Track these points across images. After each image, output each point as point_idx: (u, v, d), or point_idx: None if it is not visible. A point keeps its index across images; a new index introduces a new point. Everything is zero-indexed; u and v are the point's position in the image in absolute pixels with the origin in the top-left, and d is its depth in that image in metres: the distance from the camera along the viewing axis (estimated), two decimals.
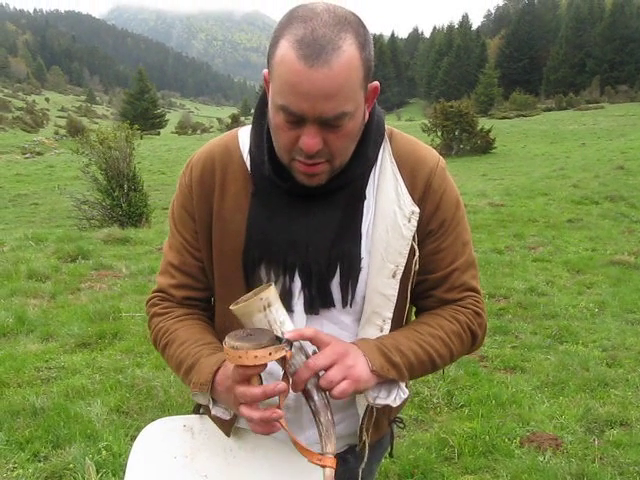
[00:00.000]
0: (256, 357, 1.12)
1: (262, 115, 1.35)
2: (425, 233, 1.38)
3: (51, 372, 4.52)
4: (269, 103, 1.25)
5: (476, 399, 4.13)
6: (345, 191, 1.34)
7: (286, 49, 1.14)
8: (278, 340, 1.17)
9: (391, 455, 1.65)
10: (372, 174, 1.37)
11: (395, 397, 1.34)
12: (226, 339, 1.16)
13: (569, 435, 3.72)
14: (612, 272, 7.47)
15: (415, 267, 1.38)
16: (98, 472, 3.20)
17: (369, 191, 1.36)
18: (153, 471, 1.39)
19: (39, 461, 3.37)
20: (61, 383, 4.30)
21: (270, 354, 1.13)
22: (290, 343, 1.18)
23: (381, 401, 1.33)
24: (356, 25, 1.18)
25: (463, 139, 33.97)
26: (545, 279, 7.20)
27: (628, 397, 4.20)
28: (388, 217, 1.34)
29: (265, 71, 1.26)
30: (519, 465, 3.34)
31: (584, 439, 3.68)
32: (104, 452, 3.39)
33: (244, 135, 1.42)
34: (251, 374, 1.17)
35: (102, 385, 4.27)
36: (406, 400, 1.42)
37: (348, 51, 1.14)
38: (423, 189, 1.37)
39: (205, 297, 1.50)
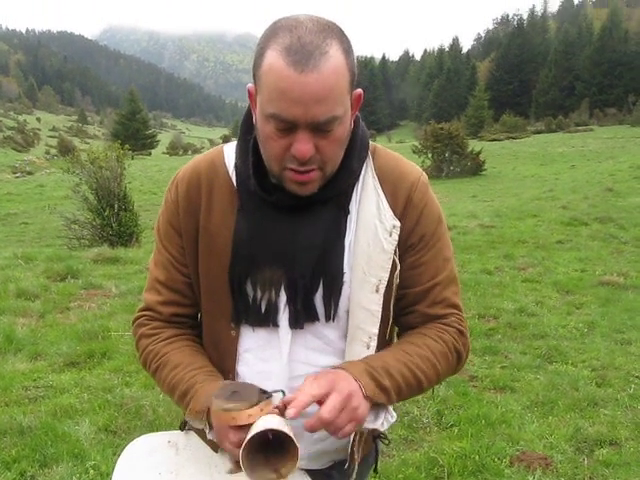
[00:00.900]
0: (250, 416, 1.16)
1: (248, 130, 1.37)
2: (405, 247, 1.39)
3: (39, 391, 4.48)
4: (257, 115, 1.26)
5: (466, 419, 4.12)
6: (329, 206, 1.35)
7: (274, 58, 1.16)
8: (262, 392, 1.21)
9: (375, 471, 1.65)
10: (355, 190, 1.38)
11: (382, 421, 1.35)
12: (214, 401, 1.18)
13: (559, 454, 3.71)
14: (601, 292, 7.49)
15: (396, 281, 1.38)
16: None
17: (352, 206, 1.37)
18: None
19: None
20: (49, 402, 4.27)
21: (262, 410, 1.17)
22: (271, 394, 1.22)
23: (369, 425, 1.33)
24: (339, 32, 1.21)
25: (453, 161, 34.17)
26: (535, 299, 7.22)
27: (617, 417, 4.20)
28: (369, 231, 1.35)
29: (249, 85, 1.28)
30: None
31: (574, 458, 3.67)
32: (92, 471, 3.36)
33: (230, 150, 1.43)
34: (245, 431, 1.18)
35: (90, 404, 4.24)
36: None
37: (335, 56, 1.16)
38: (404, 203, 1.38)
39: (192, 313, 1.51)
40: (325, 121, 1.19)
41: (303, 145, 1.20)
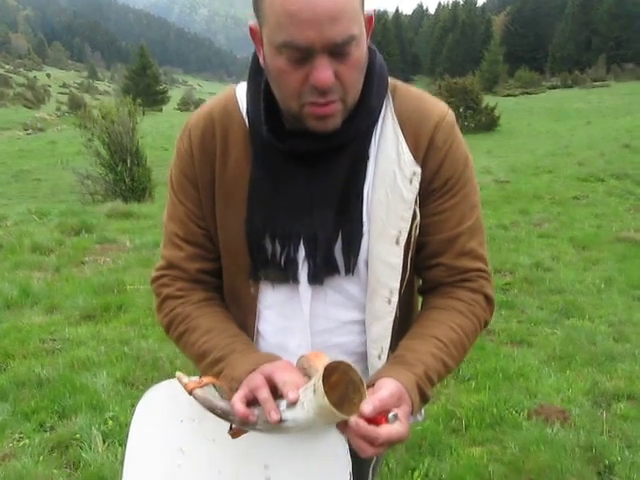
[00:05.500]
0: None
1: (257, 72, 1.26)
2: (427, 193, 1.28)
3: (56, 344, 4.51)
4: (265, 51, 1.15)
5: (483, 372, 4.11)
6: (347, 152, 1.25)
7: None
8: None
9: None
10: (374, 133, 1.27)
11: (411, 421, 1.29)
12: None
13: (576, 408, 3.70)
14: (618, 249, 7.43)
15: (415, 232, 1.29)
16: (104, 442, 3.20)
17: (370, 151, 1.27)
18: (158, 435, 1.34)
19: (45, 431, 3.37)
20: (66, 354, 4.30)
21: None
22: None
23: None
24: None
25: (468, 116, 33.78)
26: (551, 255, 7.16)
27: (635, 371, 4.18)
28: (388, 178, 1.25)
29: (251, 23, 1.18)
30: (527, 437, 3.33)
31: (591, 412, 3.66)
32: (110, 422, 3.39)
33: (241, 94, 1.32)
34: None
35: (107, 356, 4.26)
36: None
37: None
38: (426, 146, 1.26)
39: (217, 268, 1.40)
40: (342, 42, 1.07)
41: (322, 72, 1.08)
